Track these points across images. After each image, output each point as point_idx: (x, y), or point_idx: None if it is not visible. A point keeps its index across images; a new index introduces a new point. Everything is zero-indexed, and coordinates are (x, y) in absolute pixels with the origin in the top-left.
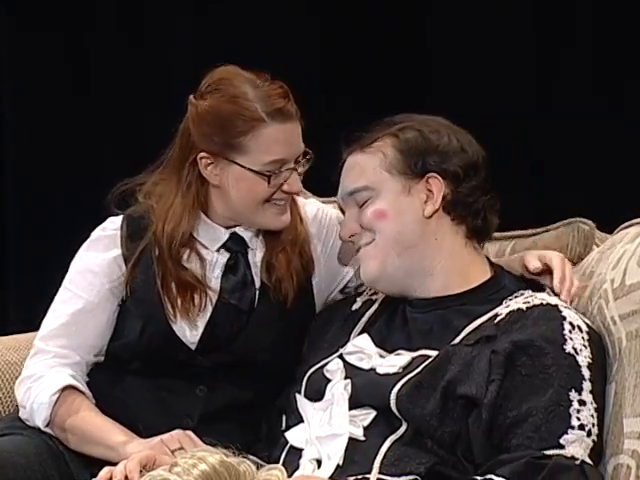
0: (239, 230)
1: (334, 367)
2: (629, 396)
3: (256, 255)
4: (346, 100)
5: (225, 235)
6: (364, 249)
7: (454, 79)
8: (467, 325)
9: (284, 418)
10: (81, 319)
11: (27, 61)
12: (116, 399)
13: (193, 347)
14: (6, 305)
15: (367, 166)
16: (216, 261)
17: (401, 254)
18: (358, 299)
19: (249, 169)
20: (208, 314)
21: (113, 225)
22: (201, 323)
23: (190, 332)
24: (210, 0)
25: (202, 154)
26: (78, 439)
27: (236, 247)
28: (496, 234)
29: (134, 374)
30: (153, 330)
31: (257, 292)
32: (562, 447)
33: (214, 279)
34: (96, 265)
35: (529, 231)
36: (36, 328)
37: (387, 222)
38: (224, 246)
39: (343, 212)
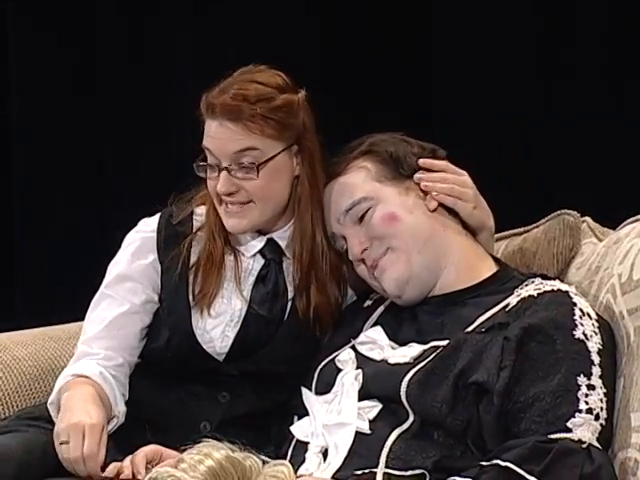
0: (275, 236)
1: (346, 357)
2: (637, 390)
3: (292, 264)
4: (346, 101)
5: (261, 242)
6: (383, 259)
7: (455, 79)
8: (480, 315)
9: (295, 418)
10: (125, 321)
11: (33, 62)
12: (137, 397)
13: (221, 358)
14: (14, 301)
15: (356, 182)
16: (251, 268)
17: (421, 250)
18: (370, 297)
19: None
20: (239, 325)
21: (148, 227)
22: (232, 334)
23: (220, 343)
24: (210, 0)
25: None
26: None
27: (270, 254)
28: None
29: (159, 376)
30: (179, 342)
31: (289, 303)
32: (569, 431)
33: (248, 286)
34: (135, 271)
35: (521, 229)
36: (43, 323)
37: (400, 223)
38: (260, 252)
39: (333, 242)
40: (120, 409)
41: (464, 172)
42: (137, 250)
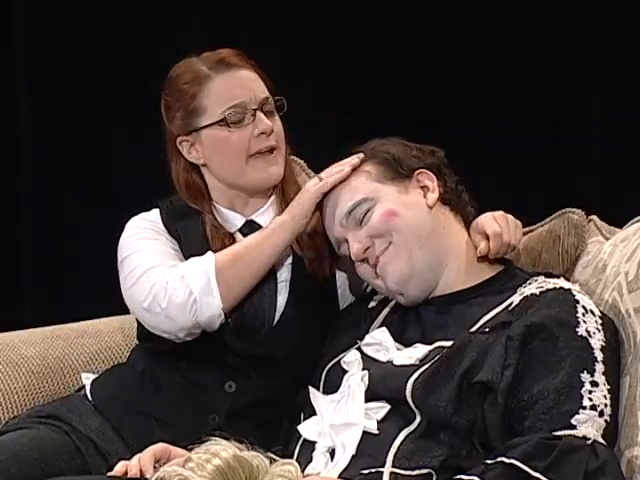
0: (255, 217)
1: (352, 358)
2: None
3: None
4: (362, 101)
5: (240, 222)
6: (384, 256)
7: (458, 79)
8: (483, 315)
9: (302, 415)
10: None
11: (38, 60)
12: (143, 394)
13: (228, 328)
14: (23, 300)
15: (356, 184)
16: None
17: (422, 246)
18: (375, 298)
19: (212, 124)
20: None
21: (150, 217)
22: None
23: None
24: (224, 0)
25: (179, 139)
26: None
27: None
28: None
29: (164, 366)
30: None
31: (280, 285)
32: (573, 427)
33: None
34: (159, 245)
35: (526, 229)
36: (51, 323)
37: (399, 219)
38: (239, 231)
39: (337, 248)
40: None
41: (496, 220)
42: (148, 234)
